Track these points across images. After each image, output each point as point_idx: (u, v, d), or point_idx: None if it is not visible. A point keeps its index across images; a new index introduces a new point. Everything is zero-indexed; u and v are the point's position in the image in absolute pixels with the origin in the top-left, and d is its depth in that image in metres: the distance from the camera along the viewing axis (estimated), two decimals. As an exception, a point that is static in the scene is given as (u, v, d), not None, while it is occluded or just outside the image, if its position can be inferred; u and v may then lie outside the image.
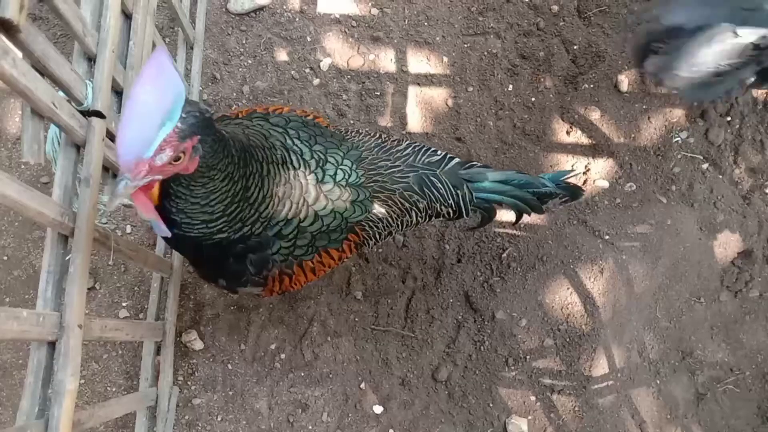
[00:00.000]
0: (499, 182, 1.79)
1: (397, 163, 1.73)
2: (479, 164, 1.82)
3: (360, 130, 1.82)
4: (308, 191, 1.56)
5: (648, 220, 2.59)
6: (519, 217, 1.90)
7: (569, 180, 1.87)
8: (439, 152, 1.80)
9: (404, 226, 1.84)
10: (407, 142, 1.80)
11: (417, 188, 1.73)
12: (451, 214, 1.82)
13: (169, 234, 1.36)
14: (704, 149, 2.69)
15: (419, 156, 1.76)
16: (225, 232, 1.43)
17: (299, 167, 1.56)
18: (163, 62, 1.06)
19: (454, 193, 1.75)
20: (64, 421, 1.27)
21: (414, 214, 1.79)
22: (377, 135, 1.81)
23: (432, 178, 1.73)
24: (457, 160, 1.79)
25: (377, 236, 1.79)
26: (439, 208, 1.79)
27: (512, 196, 1.80)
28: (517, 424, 2.32)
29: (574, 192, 1.87)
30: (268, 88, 2.60)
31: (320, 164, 1.60)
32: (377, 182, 1.69)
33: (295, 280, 1.68)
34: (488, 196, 1.80)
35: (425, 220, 1.84)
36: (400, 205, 1.74)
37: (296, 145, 1.58)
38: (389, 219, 1.75)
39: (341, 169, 1.63)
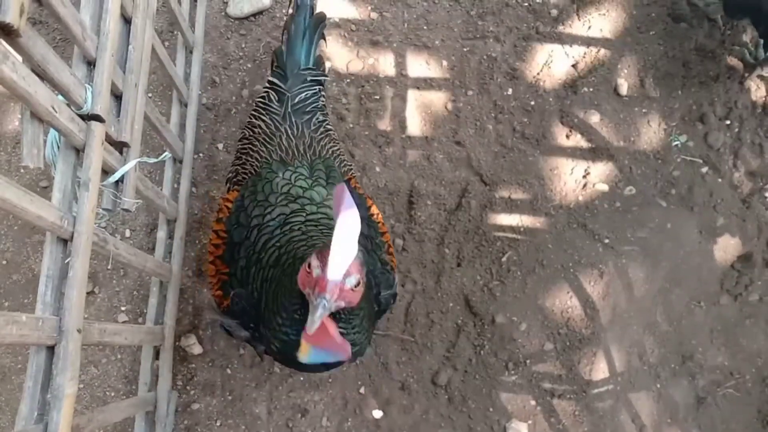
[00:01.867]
0: (302, 44, 2.11)
1: (281, 131, 1.95)
2: (284, 62, 2.09)
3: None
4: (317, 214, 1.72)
5: (648, 224, 2.59)
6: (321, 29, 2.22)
7: None
8: (264, 92, 2.08)
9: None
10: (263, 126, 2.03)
11: (306, 115, 2.00)
12: (322, 81, 2.13)
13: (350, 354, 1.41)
14: (704, 153, 2.69)
15: (269, 110, 2.01)
16: None
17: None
18: (348, 195, 1.15)
19: (308, 81, 2.07)
20: (63, 425, 1.26)
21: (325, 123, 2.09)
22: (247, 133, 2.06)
23: (296, 102, 2.00)
24: (271, 79, 2.08)
25: (339, 155, 2.03)
26: (322, 97, 2.11)
27: (312, 33, 2.13)
28: (517, 428, 2.32)
29: None
30: (268, 91, 2.60)
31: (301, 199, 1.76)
32: (309, 152, 1.91)
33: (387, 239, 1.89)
34: (310, 54, 2.13)
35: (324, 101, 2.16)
36: (317, 136, 1.99)
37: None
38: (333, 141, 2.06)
39: (298, 181, 1.79)
